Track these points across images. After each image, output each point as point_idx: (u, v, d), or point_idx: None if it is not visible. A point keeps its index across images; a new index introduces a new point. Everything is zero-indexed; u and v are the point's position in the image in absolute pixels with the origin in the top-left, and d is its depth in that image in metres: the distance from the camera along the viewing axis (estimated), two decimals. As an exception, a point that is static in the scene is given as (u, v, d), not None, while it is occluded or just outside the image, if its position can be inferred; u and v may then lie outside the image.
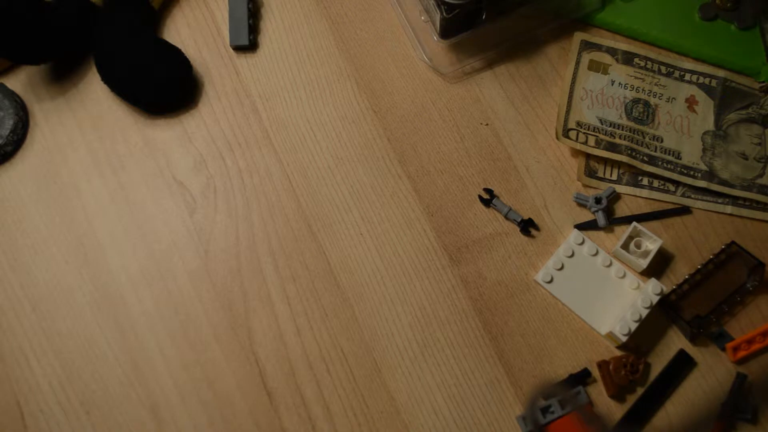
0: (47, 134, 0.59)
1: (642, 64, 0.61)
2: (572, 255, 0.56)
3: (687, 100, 0.60)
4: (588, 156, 0.59)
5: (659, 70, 0.61)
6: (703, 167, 0.58)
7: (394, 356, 0.55)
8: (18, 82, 0.60)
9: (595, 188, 0.58)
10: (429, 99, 0.60)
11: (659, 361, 0.55)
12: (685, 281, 0.55)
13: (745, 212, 0.58)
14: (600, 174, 0.59)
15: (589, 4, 0.61)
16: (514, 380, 0.54)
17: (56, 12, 0.56)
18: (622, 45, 0.61)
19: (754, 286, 0.55)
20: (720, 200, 0.58)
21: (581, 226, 0.57)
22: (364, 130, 0.59)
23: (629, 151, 0.58)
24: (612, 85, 0.60)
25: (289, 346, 0.55)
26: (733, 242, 0.55)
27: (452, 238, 0.57)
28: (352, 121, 0.60)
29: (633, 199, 0.58)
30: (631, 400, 0.54)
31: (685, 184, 0.58)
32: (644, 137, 0.59)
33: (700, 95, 0.60)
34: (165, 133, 0.59)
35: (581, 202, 0.58)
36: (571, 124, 0.58)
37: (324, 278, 0.56)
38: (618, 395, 0.54)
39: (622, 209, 0.58)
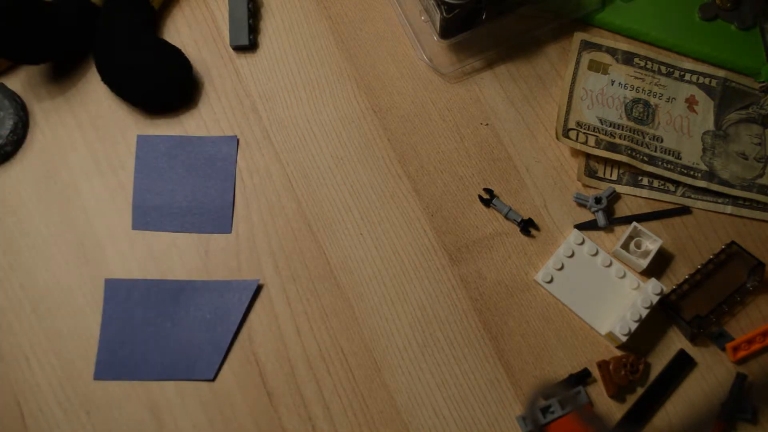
0: (47, 134, 0.59)
1: (642, 64, 0.61)
2: (572, 255, 0.56)
3: (687, 100, 0.60)
4: (588, 156, 0.59)
5: (659, 70, 0.61)
6: (703, 167, 0.58)
7: (394, 356, 0.55)
8: (18, 82, 0.60)
9: (595, 188, 0.58)
10: (429, 99, 0.60)
11: (659, 361, 0.55)
12: (685, 281, 0.55)
13: (745, 212, 0.58)
14: (600, 174, 0.59)
15: (589, 4, 0.61)
16: (514, 380, 0.54)
17: (56, 12, 0.56)
18: (622, 45, 0.61)
19: (754, 286, 0.55)
20: (720, 200, 0.58)
21: (581, 226, 0.57)
22: (364, 130, 0.59)
23: (629, 151, 0.58)
24: (612, 85, 0.60)
25: (289, 346, 0.55)
26: (733, 242, 0.55)
27: (452, 238, 0.57)
28: (352, 121, 0.60)
29: (633, 199, 0.58)
30: (631, 400, 0.54)
31: (685, 184, 0.58)
32: (644, 137, 0.59)
33: (700, 95, 0.60)
34: (165, 133, 0.59)
35: (581, 202, 0.58)
36: (571, 124, 0.58)
37: (324, 278, 0.56)
38: (618, 395, 0.54)
39: (622, 209, 0.58)
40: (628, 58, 0.61)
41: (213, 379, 0.54)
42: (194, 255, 0.57)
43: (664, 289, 0.53)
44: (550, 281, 0.56)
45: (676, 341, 0.55)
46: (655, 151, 0.58)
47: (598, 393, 0.54)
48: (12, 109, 0.59)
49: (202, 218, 0.57)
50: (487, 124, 0.60)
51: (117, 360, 0.54)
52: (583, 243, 0.57)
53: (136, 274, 0.56)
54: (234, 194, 0.57)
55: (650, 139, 0.59)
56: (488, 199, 0.58)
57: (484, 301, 0.56)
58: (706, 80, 0.61)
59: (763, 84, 0.60)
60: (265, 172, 0.58)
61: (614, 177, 0.59)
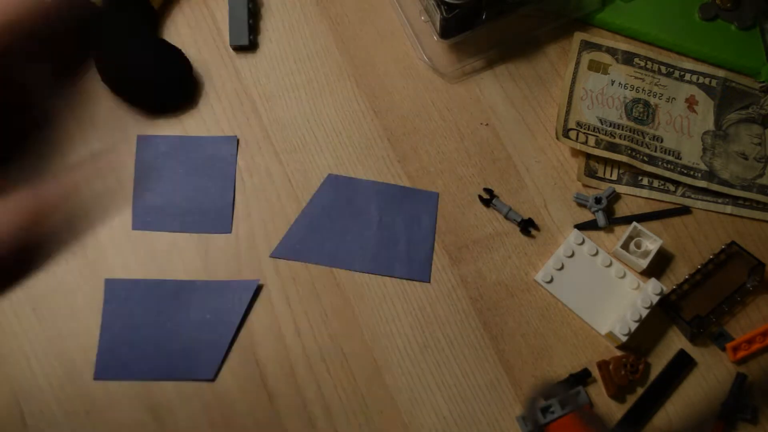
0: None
1: (642, 64, 0.61)
2: (572, 255, 0.56)
3: (687, 100, 0.60)
4: (588, 156, 0.59)
5: (659, 70, 0.61)
6: (703, 167, 0.58)
7: (394, 356, 0.55)
8: (18, 82, 0.60)
9: (595, 188, 0.58)
10: (429, 99, 0.60)
11: (659, 361, 0.55)
12: (685, 281, 0.55)
13: (745, 212, 0.58)
14: (600, 174, 0.59)
15: (589, 4, 0.61)
16: (514, 380, 0.54)
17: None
18: (622, 45, 0.61)
19: (754, 286, 0.55)
20: (720, 200, 0.58)
21: (581, 226, 0.57)
22: (364, 130, 0.59)
23: (629, 151, 0.58)
24: (612, 85, 0.60)
25: (289, 347, 0.55)
26: (733, 242, 0.55)
27: (452, 238, 0.57)
28: (352, 121, 0.60)
29: (633, 199, 0.58)
30: (631, 400, 0.54)
31: (685, 184, 0.58)
32: (644, 137, 0.59)
33: (700, 95, 0.60)
34: (165, 133, 0.59)
35: (581, 202, 0.58)
36: (571, 124, 0.58)
37: (324, 278, 0.56)
38: (618, 395, 0.54)
39: (622, 209, 0.58)
40: (628, 58, 0.61)
41: (213, 380, 0.54)
42: (194, 255, 0.57)
43: (664, 289, 0.53)
44: (550, 281, 0.56)
45: (676, 341, 0.55)
46: (655, 151, 0.58)
47: (598, 393, 0.54)
48: (12, 109, 0.58)
49: (202, 218, 0.57)
50: (487, 124, 0.60)
51: (117, 360, 0.54)
52: (583, 243, 0.57)
53: (136, 274, 0.56)
54: (234, 194, 0.57)
55: (650, 139, 0.59)
56: (488, 199, 0.58)
57: (484, 301, 0.56)
58: (706, 80, 0.61)
59: (763, 84, 0.60)
60: (265, 172, 0.58)
61: (614, 177, 0.59)
